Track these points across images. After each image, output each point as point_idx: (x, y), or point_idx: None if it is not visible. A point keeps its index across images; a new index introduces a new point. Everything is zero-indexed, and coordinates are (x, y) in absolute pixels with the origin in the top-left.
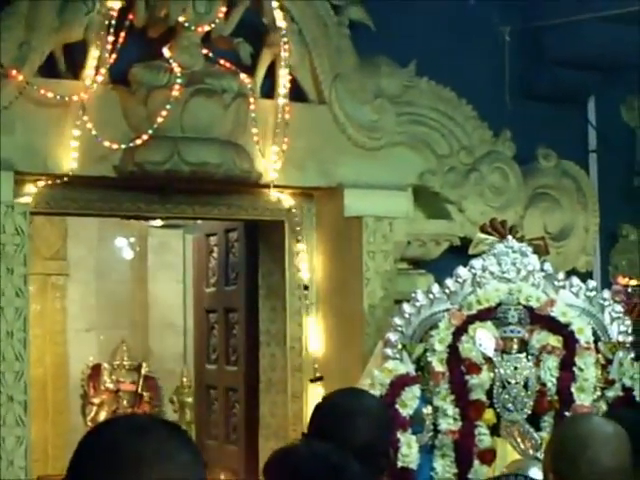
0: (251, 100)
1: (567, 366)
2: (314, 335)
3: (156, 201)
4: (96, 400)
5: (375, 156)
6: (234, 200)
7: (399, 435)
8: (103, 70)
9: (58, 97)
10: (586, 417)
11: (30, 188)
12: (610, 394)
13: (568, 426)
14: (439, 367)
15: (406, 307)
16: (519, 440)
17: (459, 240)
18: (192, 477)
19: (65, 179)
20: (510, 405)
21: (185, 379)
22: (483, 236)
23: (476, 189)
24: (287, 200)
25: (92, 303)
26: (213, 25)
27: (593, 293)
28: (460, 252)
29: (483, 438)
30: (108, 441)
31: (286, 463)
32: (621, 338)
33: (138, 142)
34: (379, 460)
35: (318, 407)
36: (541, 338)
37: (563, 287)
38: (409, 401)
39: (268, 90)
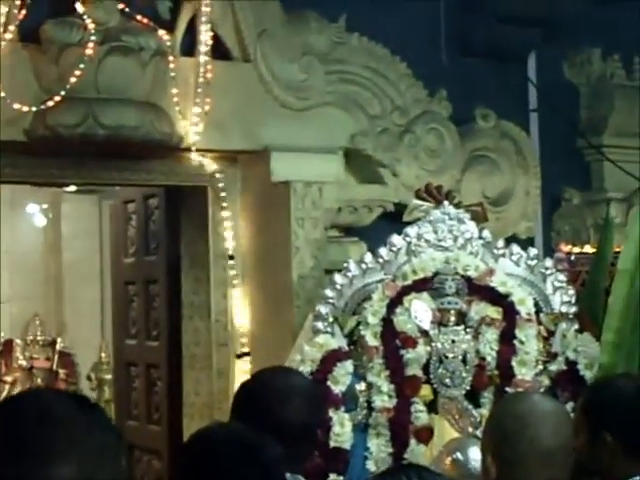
0: (170, 58)
1: (507, 339)
2: (240, 308)
3: (70, 166)
4: (9, 378)
5: (303, 117)
6: (153, 165)
7: (331, 413)
8: (12, 27)
9: None
10: (524, 395)
11: None
12: (553, 368)
13: (506, 405)
14: (373, 341)
15: (338, 278)
16: (457, 417)
17: (393, 206)
18: (107, 462)
19: None
20: (448, 380)
21: (103, 355)
22: (418, 202)
23: (410, 152)
24: (210, 165)
25: (3, 274)
26: None
27: (534, 262)
28: (394, 219)
29: (420, 415)
30: (8, 432)
31: (201, 446)
32: (564, 309)
33: (50, 104)
34: (307, 440)
35: (242, 388)
36: (480, 309)
37: (503, 255)
38: (341, 377)
39: (188, 48)
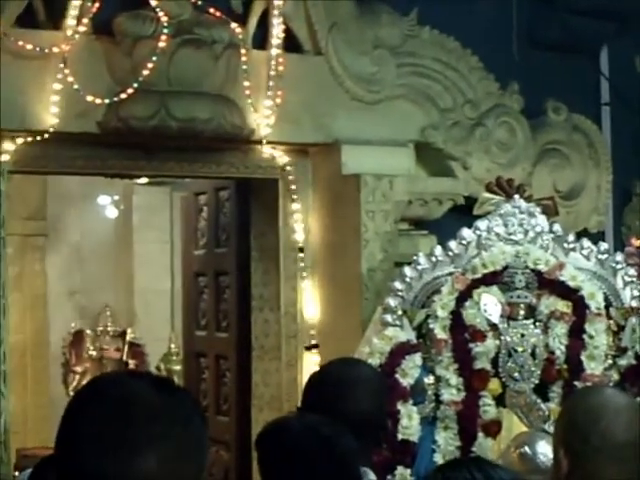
0: (243, 51)
1: (577, 333)
2: (309, 300)
3: (142, 158)
4: (78, 368)
5: (374, 110)
6: (225, 157)
7: (399, 406)
8: (85, 20)
9: (37, 49)
10: (597, 388)
11: (8, 145)
12: (622, 362)
13: (578, 398)
14: (442, 334)
15: (407, 270)
16: (526, 411)
17: (463, 199)
18: (190, 453)
19: (45, 136)
20: (516, 374)
21: (173, 346)
22: (488, 195)
23: (481, 145)
24: (281, 157)
25: (73, 265)
26: None
27: (605, 256)
28: (464, 212)
29: (488, 409)
30: (91, 425)
31: (278, 437)
32: (634, 303)
33: (123, 96)
34: (376, 432)
35: (312, 379)
36: (549, 303)
37: (573, 249)
38: (410, 370)
39: (261, 41)
